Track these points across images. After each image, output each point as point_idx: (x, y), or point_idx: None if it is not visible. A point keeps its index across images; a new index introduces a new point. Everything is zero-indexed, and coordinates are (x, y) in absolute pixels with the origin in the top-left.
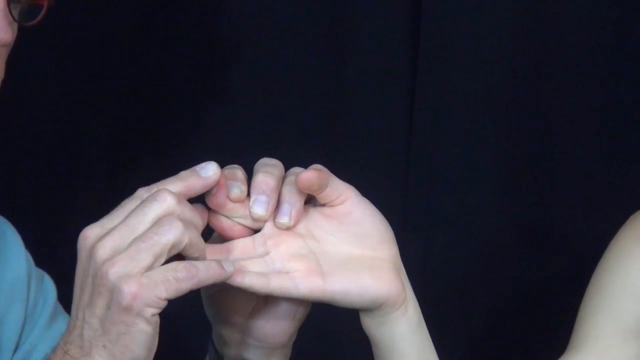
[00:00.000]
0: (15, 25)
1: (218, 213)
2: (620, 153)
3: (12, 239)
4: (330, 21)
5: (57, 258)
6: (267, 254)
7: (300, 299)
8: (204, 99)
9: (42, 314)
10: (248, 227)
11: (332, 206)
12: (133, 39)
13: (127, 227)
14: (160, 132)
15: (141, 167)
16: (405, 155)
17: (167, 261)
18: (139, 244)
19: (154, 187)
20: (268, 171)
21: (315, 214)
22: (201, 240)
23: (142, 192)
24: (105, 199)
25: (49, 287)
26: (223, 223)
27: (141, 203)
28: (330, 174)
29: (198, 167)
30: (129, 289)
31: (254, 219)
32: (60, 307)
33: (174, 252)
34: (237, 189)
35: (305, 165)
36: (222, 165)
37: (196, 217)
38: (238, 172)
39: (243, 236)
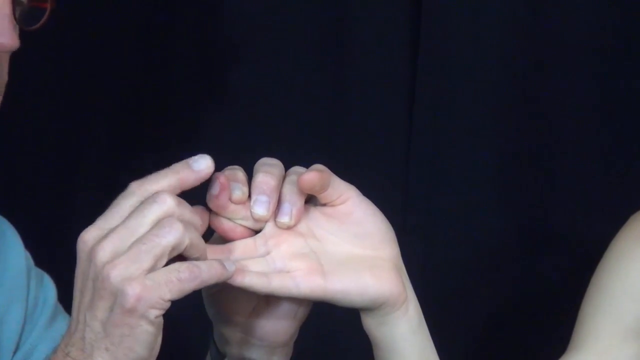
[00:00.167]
0: (18, 28)
1: (220, 215)
2: (620, 153)
3: (12, 239)
4: (330, 21)
5: (57, 258)
6: (268, 253)
7: (301, 299)
8: (204, 99)
9: (42, 314)
10: (249, 229)
11: (333, 206)
12: (133, 39)
13: (126, 230)
14: (160, 132)
15: (141, 167)
16: (405, 155)
17: (168, 262)
18: (140, 246)
19: (146, 181)
20: (268, 171)
21: (316, 213)
22: (202, 241)
23: (134, 187)
24: (105, 199)
25: (49, 287)
26: (225, 225)
27: (140, 205)
28: (332, 174)
29: (191, 160)
30: (133, 291)
31: (255, 219)
32: (60, 307)
33: (175, 253)
34: (239, 191)
35: (306, 165)
36: (222, 165)
37: (196, 218)
38: (239, 173)
39: (245, 237)
